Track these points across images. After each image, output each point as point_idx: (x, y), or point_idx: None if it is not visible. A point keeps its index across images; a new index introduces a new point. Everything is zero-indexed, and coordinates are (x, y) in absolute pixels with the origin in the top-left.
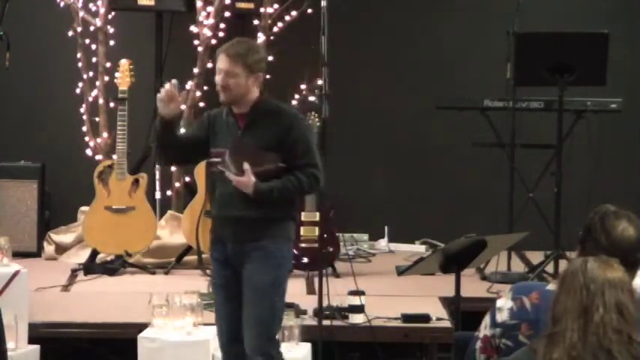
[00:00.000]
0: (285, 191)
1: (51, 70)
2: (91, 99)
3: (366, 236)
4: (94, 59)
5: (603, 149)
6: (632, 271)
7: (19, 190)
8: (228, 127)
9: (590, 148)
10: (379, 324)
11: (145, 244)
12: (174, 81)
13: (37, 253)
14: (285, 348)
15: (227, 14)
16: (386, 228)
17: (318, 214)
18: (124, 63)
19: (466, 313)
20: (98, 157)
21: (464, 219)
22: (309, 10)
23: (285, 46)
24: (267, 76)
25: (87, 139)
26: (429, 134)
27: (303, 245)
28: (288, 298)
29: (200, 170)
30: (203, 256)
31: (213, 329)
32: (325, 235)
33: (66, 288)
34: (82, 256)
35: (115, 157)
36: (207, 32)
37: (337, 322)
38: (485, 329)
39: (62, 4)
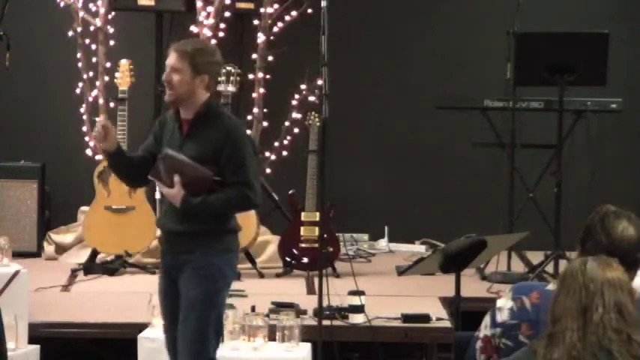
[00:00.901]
0: (213, 207)
1: (51, 70)
2: (91, 99)
3: (366, 236)
4: (94, 59)
5: (603, 149)
6: (631, 271)
7: (19, 190)
8: (172, 133)
9: (590, 148)
10: (379, 324)
11: (144, 244)
12: (102, 120)
13: (37, 253)
14: (285, 348)
15: (227, 14)
16: (386, 228)
17: (318, 214)
18: (124, 63)
19: (466, 313)
20: (98, 157)
21: (464, 219)
22: (309, 10)
23: (285, 46)
24: (267, 76)
25: (87, 139)
26: (429, 134)
27: (303, 245)
28: (289, 298)
29: None
30: None
31: None
32: (325, 235)
33: (66, 288)
34: (82, 256)
35: None
36: (208, 32)
37: (337, 322)
38: (485, 329)
39: (62, 4)
